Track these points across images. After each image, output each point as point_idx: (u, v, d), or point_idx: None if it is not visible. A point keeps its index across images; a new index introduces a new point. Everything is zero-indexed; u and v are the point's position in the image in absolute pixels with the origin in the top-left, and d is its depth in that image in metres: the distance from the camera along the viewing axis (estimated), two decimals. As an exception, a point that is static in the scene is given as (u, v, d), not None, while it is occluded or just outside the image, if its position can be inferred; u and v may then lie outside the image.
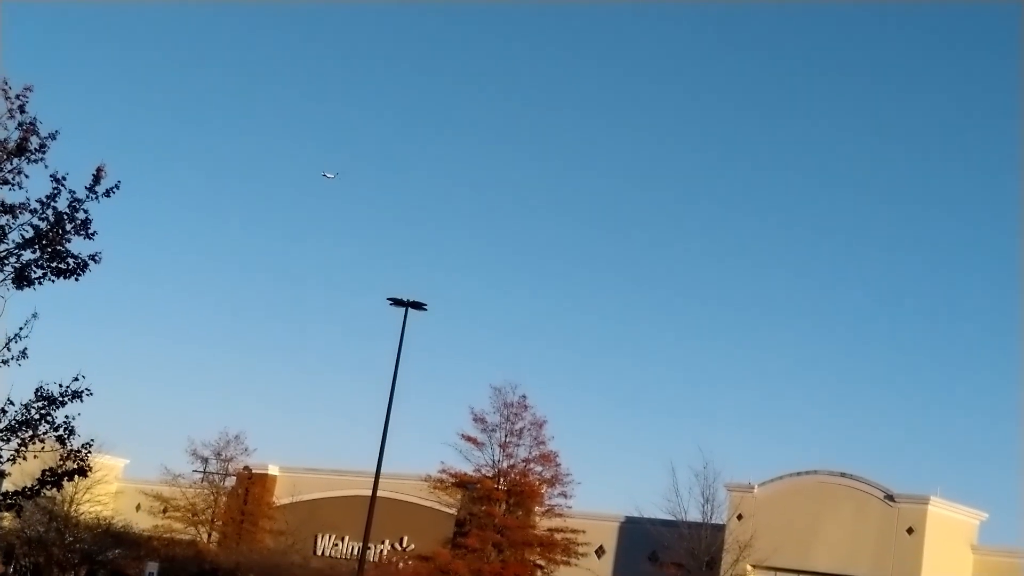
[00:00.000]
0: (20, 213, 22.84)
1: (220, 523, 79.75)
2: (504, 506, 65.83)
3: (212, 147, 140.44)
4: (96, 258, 23.49)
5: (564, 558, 65.42)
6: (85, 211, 23.10)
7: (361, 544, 65.21)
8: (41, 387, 23.24)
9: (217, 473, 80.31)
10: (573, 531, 65.16)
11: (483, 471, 65.85)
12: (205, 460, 79.74)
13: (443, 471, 66.68)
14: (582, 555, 65.92)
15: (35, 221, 22.90)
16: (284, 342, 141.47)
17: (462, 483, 66.65)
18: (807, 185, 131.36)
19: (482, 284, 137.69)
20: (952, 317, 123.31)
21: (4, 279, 22.94)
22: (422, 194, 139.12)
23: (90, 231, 23.24)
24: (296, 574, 71.08)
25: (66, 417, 23.31)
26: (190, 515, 78.41)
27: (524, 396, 65.86)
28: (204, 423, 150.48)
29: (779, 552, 60.41)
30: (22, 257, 23.00)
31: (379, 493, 60.97)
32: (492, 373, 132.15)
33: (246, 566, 71.93)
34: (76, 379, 23.32)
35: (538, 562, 66.00)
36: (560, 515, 65.64)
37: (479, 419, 65.95)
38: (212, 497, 79.61)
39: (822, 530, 61.14)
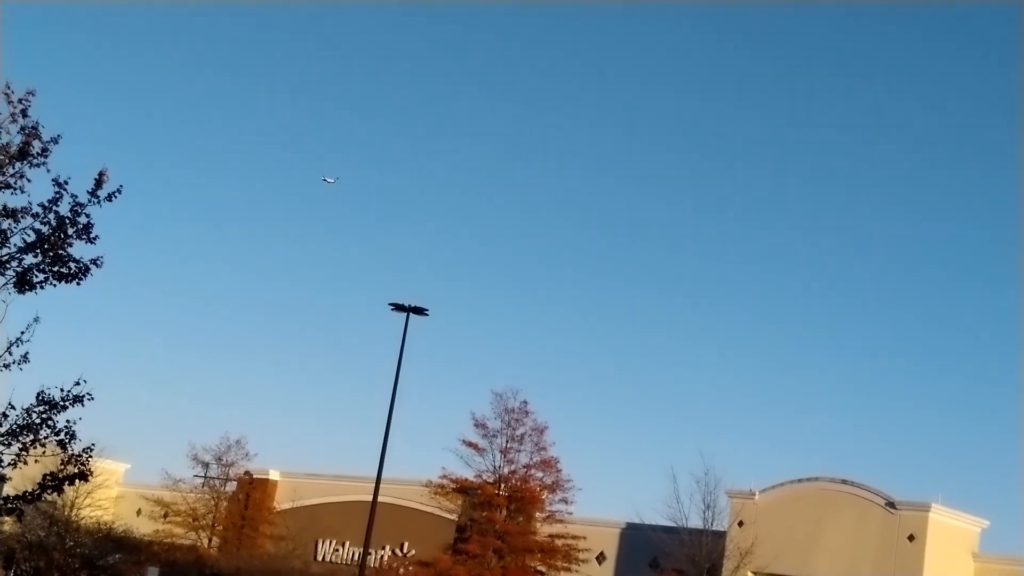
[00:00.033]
0: (22, 217, 22.83)
1: (221, 528, 79.69)
2: (505, 512, 65.78)
3: (213, 152, 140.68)
4: (98, 262, 23.47)
5: (565, 564, 65.38)
6: (87, 215, 23.10)
7: (362, 549, 65.14)
8: (42, 391, 23.23)
9: (218, 478, 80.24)
10: (574, 537, 65.10)
11: (484, 477, 65.81)
12: (206, 465, 79.71)
13: (444, 477, 66.66)
14: (583, 561, 65.87)
15: (37, 225, 22.90)
16: (285, 347, 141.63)
17: (463, 489, 66.59)
18: (810, 190, 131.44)
19: (484, 290, 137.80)
20: (954, 325, 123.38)
21: (6, 283, 22.93)
22: (424, 199, 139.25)
23: (92, 235, 23.23)
24: (297, 579, 71.05)
25: (67, 421, 23.32)
26: (191, 520, 78.37)
27: (525, 402, 65.94)
28: (205, 428, 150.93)
29: (780, 559, 60.33)
30: (24, 261, 22.99)
31: (380, 498, 60.85)
32: (493, 379, 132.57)
33: (247, 571, 71.86)
34: (77, 383, 23.32)
35: (539, 568, 65.96)
36: (561, 521, 65.60)
37: (480, 425, 65.99)
38: (213, 502, 79.56)
39: (823, 537, 61.07)
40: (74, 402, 23.28)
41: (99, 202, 23.11)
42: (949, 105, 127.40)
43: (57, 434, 23.24)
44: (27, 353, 23.17)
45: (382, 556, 75.02)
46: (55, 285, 23.31)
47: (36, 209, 22.86)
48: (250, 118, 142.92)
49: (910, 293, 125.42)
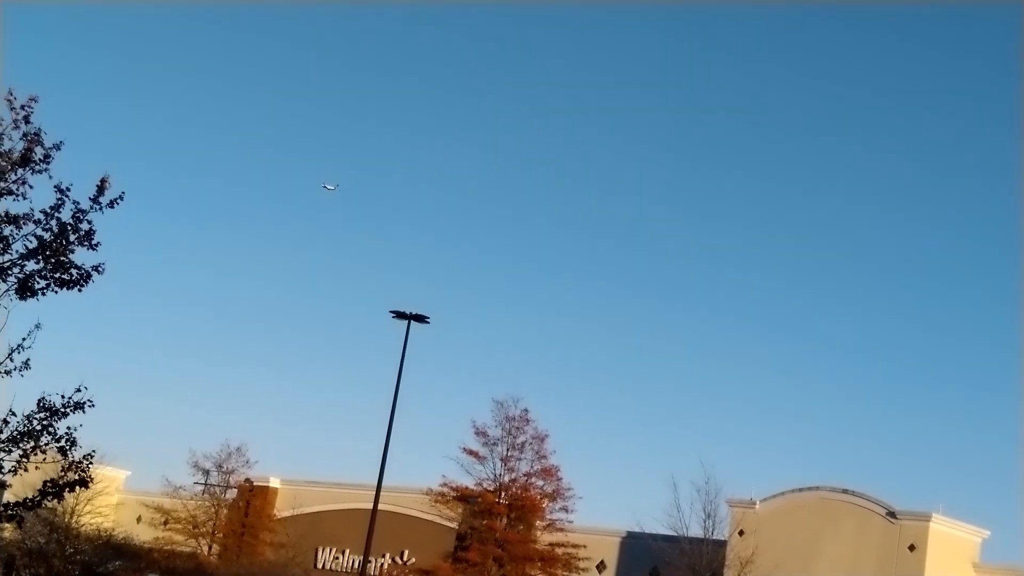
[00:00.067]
0: (24, 223, 22.88)
1: (221, 535, 79.60)
2: (505, 520, 65.72)
3: (214, 159, 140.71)
4: (99, 269, 23.52)
5: (565, 573, 65.29)
6: (89, 222, 23.16)
7: (362, 557, 65.10)
8: (43, 398, 23.25)
9: (218, 485, 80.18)
10: (574, 546, 65.02)
11: (484, 485, 65.76)
12: (206, 472, 79.63)
13: (444, 485, 66.62)
14: (583, 570, 65.81)
15: (39, 232, 22.95)
16: (286, 354, 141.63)
17: (463, 497, 66.55)
18: (810, 198, 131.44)
19: (485, 297, 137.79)
20: (954, 334, 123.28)
21: (7, 289, 22.96)
22: (425, 206, 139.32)
23: (93, 242, 23.28)
24: (297, 587, 71.01)
25: (68, 428, 23.33)
26: (191, 527, 78.27)
27: (526, 410, 65.90)
28: (206, 435, 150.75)
29: (780, 568, 60.23)
30: (26, 267, 23.03)
31: (380, 506, 60.84)
32: (494, 386, 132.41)
33: (246, 579, 71.81)
34: (78, 390, 23.36)
35: (539, 576, 65.89)
36: (561, 530, 65.52)
37: (481, 433, 65.94)
38: (213, 509, 79.48)
39: (824, 546, 61.01)
40: (75, 409, 23.29)
41: (101, 209, 23.17)
42: (948, 112, 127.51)
43: (58, 441, 23.26)
44: (28, 360, 23.22)
45: (382, 564, 74.96)
46: (57, 291, 23.36)
47: (38, 215, 22.94)
48: (251, 125, 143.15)
49: (910, 301, 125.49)
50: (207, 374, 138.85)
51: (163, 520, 78.78)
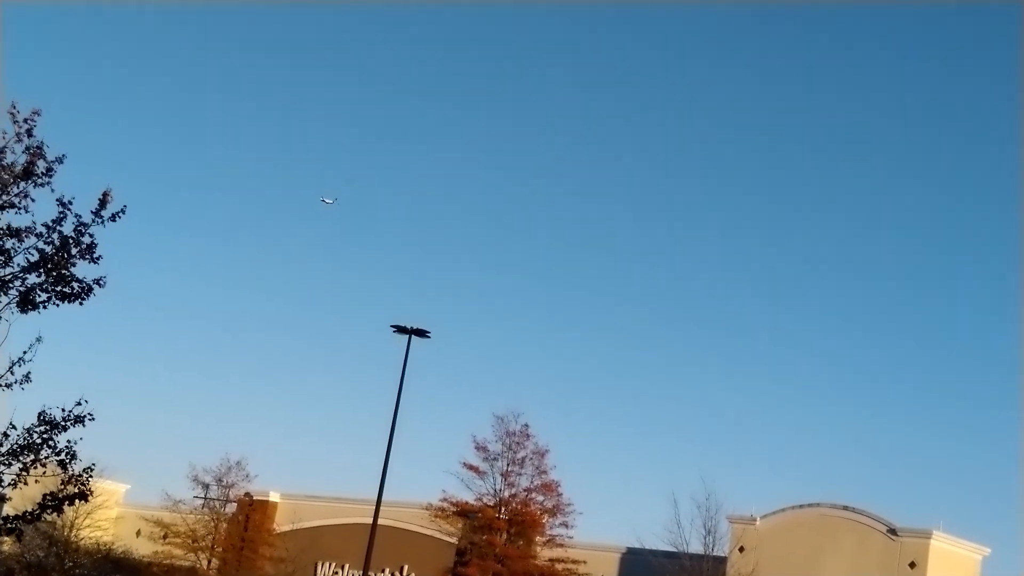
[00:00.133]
0: (26, 237, 22.85)
1: (220, 549, 79.42)
2: (505, 535, 65.60)
3: (215, 172, 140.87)
4: (101, 282, 23.49)
5: (565, 588, 65.17)
6: (91, 235, 23.13)
7: (362, 572, 64.96)
8: (44, 411, 23.19)
9: (218, 499, 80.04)
10: (574, 561, 64.88)
11: (484, 500, 65.66)
12: (206, 486, 79.48)
13: (444, 500, 66.52)
14: (583, 585, 65.67)
15: (41, 245, 22.92)
16: (287, 368, 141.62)
17: (463, 512, 66.45)
18: (811, 213, 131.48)
19: (486, 312, 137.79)
20: (955, 351, 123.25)
21: (9, 303, 22.93)
22: (426, 221, 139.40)
23: (95, 255, 23.25)
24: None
25: (68, 442, 23.27)
26: (190, 541, 78.09)
27: (526, 425, 65.86)
28: (205, 449, 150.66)
29: (781, 585, 60.16)
30: (27, 281, 23.00)
31: (380, 521, 60.72)
32: (494, 402, 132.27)
33: (246, 593, 71.72)
34: (79, 404, 23.31)
35: (539, 592, 65.73)
36: (561, 545, 65.39)
37: (481, 448, 65.88)
38: (213, 523, 79.32)
39: (824, 563, 60.87)
40: (75, 422, 23.24)
41: (103, 222, 23.15)
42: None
43: (58, 454, 23.20)
44: (29, 373, 23.17)
45: (382, 579, 74.84)
46: (58, 305, 23.32)
47: (40, 229, 22.90)
48: (252, 139, 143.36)
49: (911, 318, 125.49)
50: (207, 387, 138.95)
51: (162, 534, 78.63)
